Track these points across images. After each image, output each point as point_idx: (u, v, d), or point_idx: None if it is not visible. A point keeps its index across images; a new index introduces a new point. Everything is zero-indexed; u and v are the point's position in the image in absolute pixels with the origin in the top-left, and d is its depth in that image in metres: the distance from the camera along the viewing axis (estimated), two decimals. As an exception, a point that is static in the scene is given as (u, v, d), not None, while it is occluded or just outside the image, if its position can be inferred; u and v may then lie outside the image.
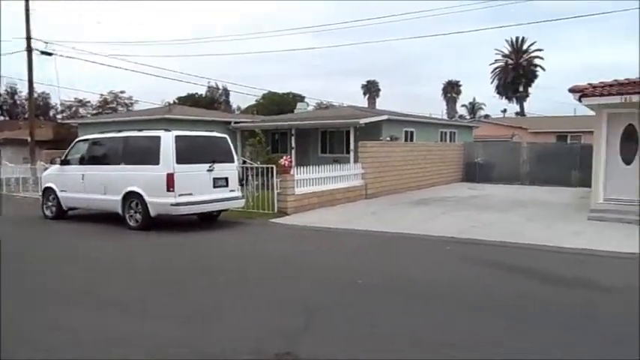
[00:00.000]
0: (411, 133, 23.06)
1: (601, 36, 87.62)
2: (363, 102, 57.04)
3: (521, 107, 57.70)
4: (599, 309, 5.59)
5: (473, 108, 66.86)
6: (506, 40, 57.97)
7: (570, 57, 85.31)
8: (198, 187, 10.41)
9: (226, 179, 11.03)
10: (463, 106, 67.09)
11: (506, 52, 58.22)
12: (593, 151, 12.27)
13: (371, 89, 61.18)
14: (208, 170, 10.60)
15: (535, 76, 56.94)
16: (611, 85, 11.75)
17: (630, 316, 5.27)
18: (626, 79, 12.07)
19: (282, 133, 23.90)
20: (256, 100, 45.99)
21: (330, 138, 23.01)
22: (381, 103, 56.49)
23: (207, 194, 10.59)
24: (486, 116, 56.12)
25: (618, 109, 11.58)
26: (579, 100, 11.49)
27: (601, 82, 12.08)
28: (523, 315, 5.35)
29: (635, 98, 10.85)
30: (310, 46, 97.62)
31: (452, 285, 6.52)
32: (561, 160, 20.80)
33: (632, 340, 4.60)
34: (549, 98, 73.57)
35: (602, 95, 11.27)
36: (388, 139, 19.61)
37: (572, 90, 11.86)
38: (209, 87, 48.25)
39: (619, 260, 7.86)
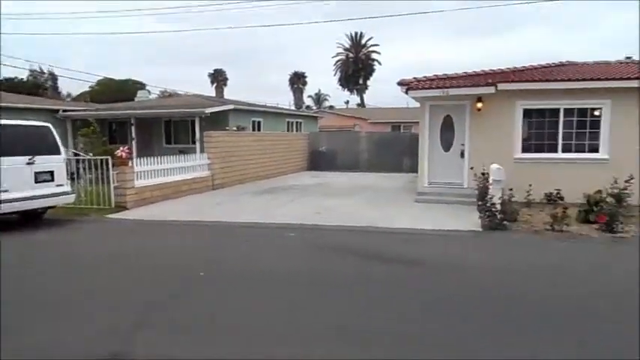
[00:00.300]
0: (259, 122, 23.17)
1: (432, 33, 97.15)
2: (210, 91, 55.75)
3: (362, 99, 61.75)
4: (420, 282, 6.23)
5: (318, 99, 69.67)
6: (347, 35, 61.38)
7: (404, 52, 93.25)
8: (16, 182, 9.17)
9: (51, 173, 9.88)
10: (309, 96, 69.57)
11: (347, 45, 61.63)
12: (419, 139, 13.60)
13: (218, 78, 60.00)
14: (28, 163, 9.40)
15: (373, 70, 61.28)
16: (432, 80, 13.11)
17: (445, 286, 5.98)
18: (444, 74, 13.58)
19: (121, 123, 22.22)
20: (90, 87, 42.08)
21: (175, 128, 22.04)
22: (229, 93, 55.64)
23: (27, 190, 9.38)
24: (331, 107, 58.86)
25: (438, 102, 12.97)
26: (406, 92, 12.62)
27: (424, 77, 13.41)
28: (358, 293, 5.72)
29: (451, 92, 12.25)
30: (152, 30, 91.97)
31: (293, 270, 6.71)
32: (395, 148, 22.69)
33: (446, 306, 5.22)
34: (386, 91, 79.75)
35: (424, 89, 12.52)
36: (234, 128, 19.44)
37: (400, 83, 12.98)
38: (32, 71, 42.82)
39: (441, 237, 8.83)
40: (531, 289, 5.83)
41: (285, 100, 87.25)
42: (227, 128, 19.07)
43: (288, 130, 25.92)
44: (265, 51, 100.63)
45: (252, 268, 6.86)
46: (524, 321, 4.84)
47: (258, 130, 22.81)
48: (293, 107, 55.85)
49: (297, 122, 27.37)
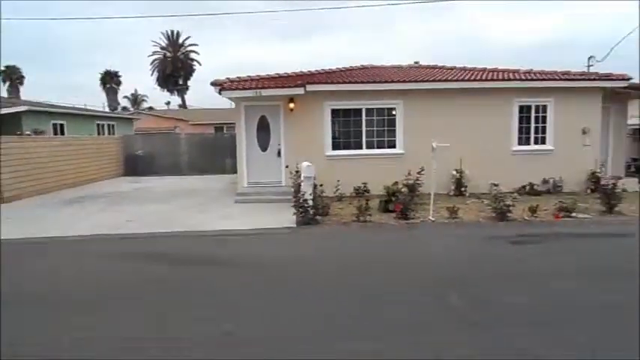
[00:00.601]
0: (61, 125, 20.79)
1: (253, 34, 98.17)
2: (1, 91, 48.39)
3: (183, 100, 59.73)
4: (223, 282, 6.19)
5: (136, 100, 65.39)
6: (163, 33, 58.73)
7: (224, 53, 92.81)
8: None
9: None
10: (125, 97, 64.87)
11: (164, 44, 59.01)
12: (237, 140, 13.60)
13: (12, 76, 52.30)
14: None
15: (193, 70, 59.65)
16: (245, 80, 13.21)
17: (252, 284, 6.02)
18: (257, 75, 13.78)
19: None
20: None
21: (-50, 133, 18.55)
22: (28, 93, 49.21)
23: None
24: (150, 108, 55.70)
25: (253, 102, 13.13)
26: (219, 93, 12.49)
27: (238, 77, 13.43)
28: (150, 301, 5.43)
29: (264, 92, 12.47)
30: None
31: (83, 284, 6.11)
32: (218, 149, 22.40)
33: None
34: (209, 92, 78.49)
35: (237, 89, 12.53)
36: (28, 133, 17.12)
37: (213, 84, 12.79)
38: None
39: (256, 236, 8.91)
40: (336, 279, 6.21)
41: (98, 101, 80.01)
42: (19, 133, 16.70)
43: (99, 134, 23.78)
44: (73, 48, 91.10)
45: (37, 287, 6.05)
46: (337, 312, 5.11)
47: (62, 133, 20.46)
48: (107, 109, 51.55)
49: (109, 125, 25.27)
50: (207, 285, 6.05)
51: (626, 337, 4.27)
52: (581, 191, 13.19)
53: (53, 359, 4.11)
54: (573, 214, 9.94)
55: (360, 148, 13.54)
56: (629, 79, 13.53)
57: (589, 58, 21.41)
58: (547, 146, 13.82)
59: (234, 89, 12.53)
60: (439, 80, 13.48)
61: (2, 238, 8.94)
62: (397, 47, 76.32)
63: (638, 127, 18.65)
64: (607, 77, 13.63)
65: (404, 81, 13.35)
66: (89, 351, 4.24)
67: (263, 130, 13.66)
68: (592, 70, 19.09)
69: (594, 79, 13.70)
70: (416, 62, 17.25)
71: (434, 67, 16.07)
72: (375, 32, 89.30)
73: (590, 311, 4.89)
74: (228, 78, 13.16)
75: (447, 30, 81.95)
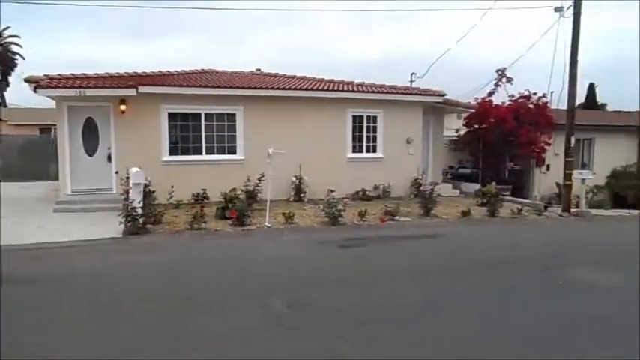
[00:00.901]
0: None
1: (95, 31, 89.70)
2: None
3: (2, 97, 52.34)
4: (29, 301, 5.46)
5: (-61, 94, 55.58)
6: (-25, 20, 50.86)
7: (59, 49, 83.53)
8: None
9: None
10: None
11: (-23, 33, 51.16)
12: (58, 143, 12.24)
13: None
14: None
15: (15, 65, 52.62)
16: (68, 79, 11.95)
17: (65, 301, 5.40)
18: (83, 74, 12.58)
19: None
20: None
21: None
22: None
23: None
24: (-44, 105, 47.72)
25: (78, 102, 11.94)
26: (35, 90, 11.12)
27: (59, 75, 12.11)
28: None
29: (89, 92, 11.41)
30: None
31: None
32: (41, 153, 20.09)
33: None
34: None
35: (57, 87, 11.28)
36: None
37: (27, 80, 11.35)
38: None
39: (73, 249, 8.06)
40: (152, 290, 5.87)
41: None
42: None
43: None
44: None
45: None
46: (150, 323, 4.76)
47: None
48: None
49: None
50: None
51: (437, 338, 4.54)
52: (406, 196, 14.43)
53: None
54: (397, 218, 10.82)
55: (200, 153, 13.13)
56: (443, 95, 15.25)
57: (411, 75, 23.81)
58: (378, 154, 14.88)
59: (53, 87, 11.23)
60: (278, 88, 13.71)
61: None
62: (242, 54, 76.04)
63: (452, 138, 21.09)
64: (426, 92, 15.20)
65: (243, 87, 13.30)
66: None
67: (90, 133, 12.50)
68: (415, 85, 21.20)
69: (416, 94, 15.18)
70: (257, 69, 17.35)
71: (275, 75, 16.31)
72: (219, 37, 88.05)
73: (408, 311, 5.22)
74: (46, 75, 11.75)
75: (292, 39, 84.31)
